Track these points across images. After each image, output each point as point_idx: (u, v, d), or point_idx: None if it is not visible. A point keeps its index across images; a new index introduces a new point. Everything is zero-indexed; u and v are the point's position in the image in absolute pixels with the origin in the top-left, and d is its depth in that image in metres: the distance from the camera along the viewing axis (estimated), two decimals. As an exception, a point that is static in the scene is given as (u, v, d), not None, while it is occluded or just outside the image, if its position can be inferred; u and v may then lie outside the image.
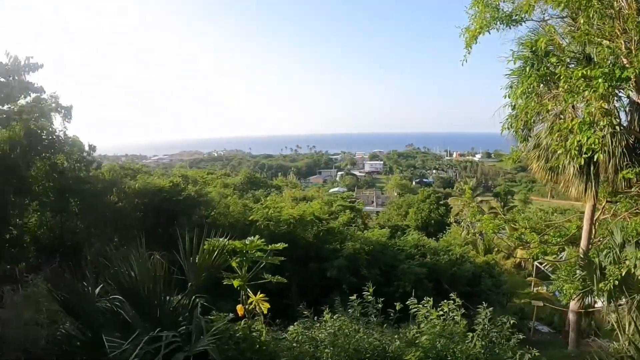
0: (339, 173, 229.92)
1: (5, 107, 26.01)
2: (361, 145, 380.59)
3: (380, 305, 11.56)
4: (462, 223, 61.78)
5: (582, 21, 13.30)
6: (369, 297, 11.58)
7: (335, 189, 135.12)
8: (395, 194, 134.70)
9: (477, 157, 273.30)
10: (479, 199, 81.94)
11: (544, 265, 43.59)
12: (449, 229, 61.60)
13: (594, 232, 23.20)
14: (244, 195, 42.37)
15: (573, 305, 22.81)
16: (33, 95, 26.85)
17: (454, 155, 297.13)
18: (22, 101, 27.28)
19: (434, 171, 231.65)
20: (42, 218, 29.57)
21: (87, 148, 30.82)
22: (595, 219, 23.28)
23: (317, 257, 29.54)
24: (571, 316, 24.47)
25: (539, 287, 45.54)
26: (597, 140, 12.38)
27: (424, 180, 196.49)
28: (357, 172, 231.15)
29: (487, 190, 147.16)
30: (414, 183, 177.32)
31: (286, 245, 12.51)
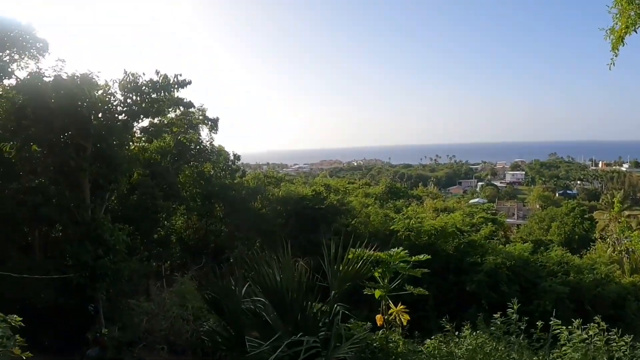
0: (479, 183, 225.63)
1: (156, 120, 27.95)
2: (502, 155, 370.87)
3: (524, 325, 11.23)
4: (608, 239, 59.14)
5: None
6: (513, 314, 11.31)
7: (475, 200, 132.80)
8: (538, 206, 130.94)
9: (625, 167, 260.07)
10: (627, 212, 78.07)
11: None
12: (594, 245, 59.02)
13: None
14: (384, 205, 42.55)
15: None
16: (182, 109, 28.73)
17: (600, 165, 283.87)
18: (172, 114, 29.24)
19: (579, 182, 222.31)
20: (189, 221, 31.40)
21: (232, 157, 32.51)
22: None
23: (456, 269, 29.29)
24: None
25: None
26: None
27: (568, 191, 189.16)
28: (497, 183, 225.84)
29: (635, 204, 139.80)
30: (557, 194, 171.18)
31: (429, 256, 12.59)
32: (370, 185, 72.69)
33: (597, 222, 72.51)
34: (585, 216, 75.20)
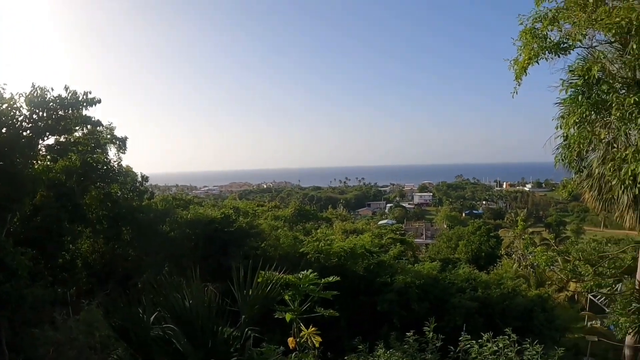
0: (388, 205, 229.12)
1: (62, 139, 26.85)
2: (410, 177, 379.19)
3: (439, 343, 11.41)
4: (514, 255, 61.04)
5: (634, 46, 13.14)
6: (429, 332, 11.44)
7: (385, 221, 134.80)
8: (445, 226, 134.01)
9: (528, 187, 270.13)
10: (530, 230, 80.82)
11: (598, 298, 42.65)
12: (500, 261, 60.78)
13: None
14: (294, 228, 42.55)
15: (629, 339, 22.22)
16: (90, 127, 27.72)
17: (504, 186, 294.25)
18: (79, 133, 28.17)
19: (484, 202, 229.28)
20: (95, 244, 30.26)
21: (140, 178, 31.61)
22: (651, 248, 22.76)
23: (367, 290, 29.44)
24: (627, 351, 23.77)
25: (593, 322, 44.50)
26: (652, 169, 12.18)
27: (474, 211, 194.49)
28: (406, 204, 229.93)
29: (538, 221, 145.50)
30: (463, 214, 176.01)
31: (338, 278, 12.57)
32: (280, 208, 72.67)
33: (502, 239, 74.64)
34: (491, 234, 77.33)
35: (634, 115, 12.65)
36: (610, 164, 14.94)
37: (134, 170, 31.53)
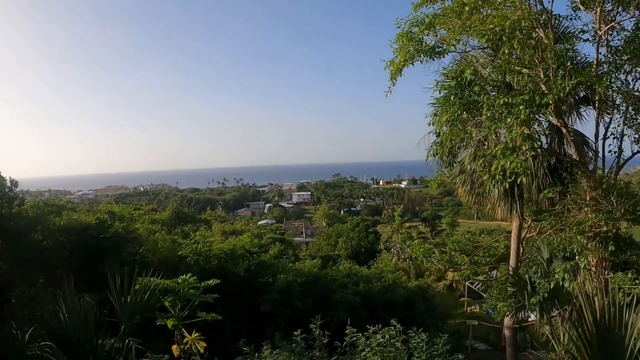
0: (267, 205, 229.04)
1: None
2: (289, 177, 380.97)
3: (326, 340, 11.48)
4: (392, 249, 62.32)
5: (506, 51, 13.75)
6: (316, 329, 11.48)
7: (264, 221, 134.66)
8: (324, 224, 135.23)
9: (404, 184, 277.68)
10: (408, 224, 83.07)
11: (475, 285, 44.41)
12: (380, 256, 61.95)
13: (522, 250, 23.81)
14: (172, 231, 41.62)
15: (507, 321, 23.25)
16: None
17: (381, 183, 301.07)
18: None
19: (362, 199, 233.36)
20: (-41, 259, 28.38)
21: (8, 183, 29.75)
22: (522, 237, 23.92)
23: (249, 291, 29.14)
24: (506, 332, 24.94)
25: (472, 307, 46.33)
26: (519, 164, 12.72)
27: (353, 209, 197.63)
28: (285, 204, 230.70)
29: (415, 216, 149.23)
30: (342, 212, 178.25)
31: (218, 281, 12.38)
32: (157, 211, 71.00)
33: (381, 234, 76.26)
34: (370, 230, 78.61)
35: (503, 115, 13.22)
36: (481, 161, 15.55)
37: (1, 174, 29.72)
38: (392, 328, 11.25)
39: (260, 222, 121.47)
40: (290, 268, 31.66)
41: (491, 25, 13.32)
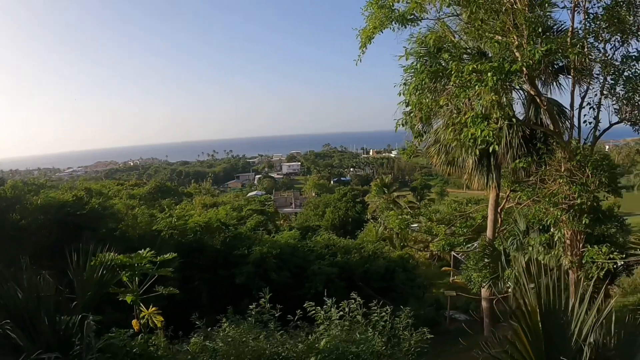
0: (257, 176, 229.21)
1: None
2: (279, 148, 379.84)
3: (278, 313, 11.31)
4: (380, 219, 62.40)
5: (464, 16, 13.54)
6: (265, 303, 11.34)
7: (254, 193, 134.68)
8: (314, 194, 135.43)
9: (394, 154, 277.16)
10: (396, 194, 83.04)
11: (460, 255, 44.53)
12: (367, 226, 62.02)
13: (500, 220, 23.78)
14: (155, 205, 41.36)
15: (484, 292, 23.31)
16: None
17: (371, 153, 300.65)
18: None
19: (352, 169, 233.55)
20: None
21: (-12, 164, 29.41)
22: (501, 207, 23.88)
23: (225, 264, 29.11)
24: (484, 303, 25.01)
25: (455, 277, 46.45)
26: (490, 132, 12.55)
27: (342, 179, 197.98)
28: (275, 175, 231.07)
29: (404, 185, 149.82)
30: (332, 182, 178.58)
31: (175, 254, 12.29)
32: (140, 186, 70.56)
33: (369, 204, 76.27)
34: (357, 200, 78.61)
35: (472, 82, 12.98)
36: (451, 129, 15.38)
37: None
38: (353, 301, 11.16)
39: (250, 194, 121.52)
40: (266, 240, 31.62)
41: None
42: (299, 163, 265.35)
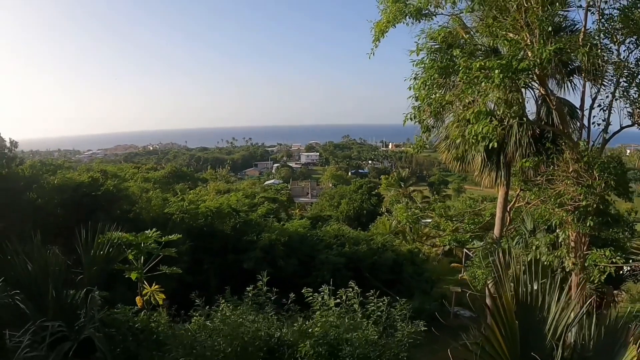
0: (275, 165, 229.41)
1: None
2: (298, 137, 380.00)
3: (273, 297, 11.65)
4: (393, 213, 62.24)
5: (465, 12, 13.54)
6: (262, 286, 11.52)
7: (271, 181, 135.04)
8: (331, 185, 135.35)
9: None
10: (412, 188, 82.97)
11: (472, 252, 44.36)
12: (379, 219, 61.97)
13: (508, 219, 23.69)
14: (170, 190, 41.71)
15: (490, 289, 23.27)
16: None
17: (390, 146, 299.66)
18: None
19: (370, 162, 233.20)
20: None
21: (8, 144, 29.77)
22: (510, 206, 23.79)
23: (234, 249, 29.47)
24: (487, 300, 24.91)
25: (464, 274, 46.37)
26: (491, 129, 12.56)
27: (360, 171, 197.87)
28: (293, 164, 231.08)
29: (422, 180, 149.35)
30: (349, 174, 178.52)
31: (180, 236, 12.49)
32: (157, 170, 70.95)
33: (384, 197, 76.19)
34: (373, 192, 78.48)
35: (479, 79, 12.98)
36: (456, 124, 15.40)
37: (1, 135, 29.75)
38: (351, 290, 11.28)
39: (267, 182, 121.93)
40: (275, 227, 31.87)
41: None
42: (318, 153, 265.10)
